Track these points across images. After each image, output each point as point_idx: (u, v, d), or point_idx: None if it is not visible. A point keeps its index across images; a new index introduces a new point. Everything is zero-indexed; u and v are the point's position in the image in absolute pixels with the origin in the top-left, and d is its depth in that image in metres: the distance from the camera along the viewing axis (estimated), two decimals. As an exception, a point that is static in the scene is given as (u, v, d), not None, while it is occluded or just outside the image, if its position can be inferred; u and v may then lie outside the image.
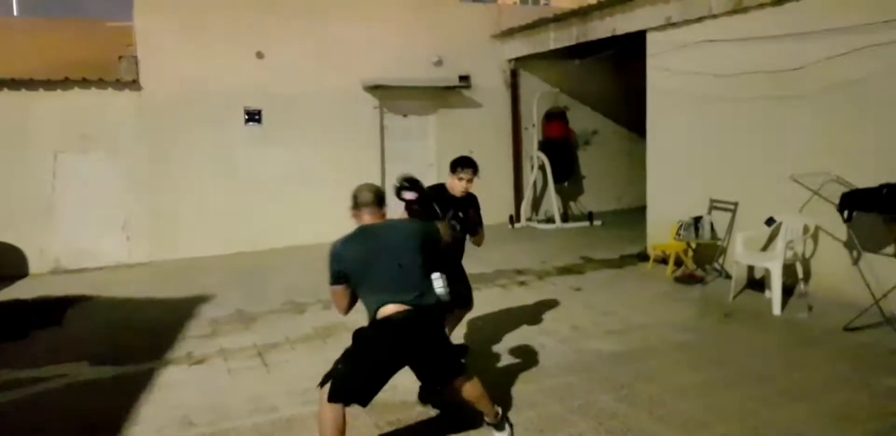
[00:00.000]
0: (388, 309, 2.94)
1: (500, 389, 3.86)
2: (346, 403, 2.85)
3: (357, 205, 3.09)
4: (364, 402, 2.91)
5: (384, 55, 9.22)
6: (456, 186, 4.04)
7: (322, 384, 2.89)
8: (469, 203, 4.09)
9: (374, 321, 2.98)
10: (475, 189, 4.10)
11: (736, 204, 6.27)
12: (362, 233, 3.06)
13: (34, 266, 7.58)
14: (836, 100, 5.38)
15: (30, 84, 7.58)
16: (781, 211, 5.66)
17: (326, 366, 3.01)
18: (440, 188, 4.04)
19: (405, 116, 9.78)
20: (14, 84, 7.52)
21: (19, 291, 6.74)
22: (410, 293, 2.95)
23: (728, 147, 6.39)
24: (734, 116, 6.29)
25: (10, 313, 5.89)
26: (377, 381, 2.92)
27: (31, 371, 4.43)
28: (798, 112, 5.69)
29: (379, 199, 3.11)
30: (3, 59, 9.87)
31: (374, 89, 9.21)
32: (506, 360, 4.39)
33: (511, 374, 4.11)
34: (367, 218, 3.08)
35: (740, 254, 5.66)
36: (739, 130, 6.26)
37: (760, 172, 6.05)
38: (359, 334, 3.02)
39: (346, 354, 3.00)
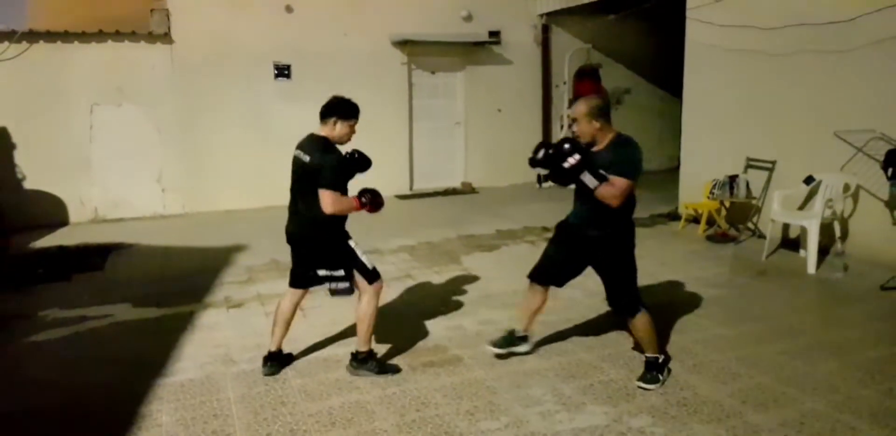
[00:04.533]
0: None
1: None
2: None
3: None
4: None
5: (413, 9, 9.02)
6: None
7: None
8: None
9: None
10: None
11: (773, 163, 6.13)
12: None
13: (74, 215, 7.77)
14: (885, 55, 5.16)
15: (65, 36, 7.59)
16: (821, 170, 5.53)
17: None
18: None
19: (433, 72, 9.63)
20: (50, 36, 7.54)
21: (61, 238, 6.94)
22: None
23: (768, 104, 6.20)
24: (776, 72, 6.08)
25: (53, 258, 6.08)
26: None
27: (78, 310, 4.61)
28: (844, 67, 5.47)
29: None
30: (37, 13, 9.92)
31: (403, 45, 9.06)
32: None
33: (541, 324, 4.15)
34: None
35: (777, 212, 5.56)
36: (781, 85, 6.05)
37: (801, 129, 5.88)
38: None
39: None
